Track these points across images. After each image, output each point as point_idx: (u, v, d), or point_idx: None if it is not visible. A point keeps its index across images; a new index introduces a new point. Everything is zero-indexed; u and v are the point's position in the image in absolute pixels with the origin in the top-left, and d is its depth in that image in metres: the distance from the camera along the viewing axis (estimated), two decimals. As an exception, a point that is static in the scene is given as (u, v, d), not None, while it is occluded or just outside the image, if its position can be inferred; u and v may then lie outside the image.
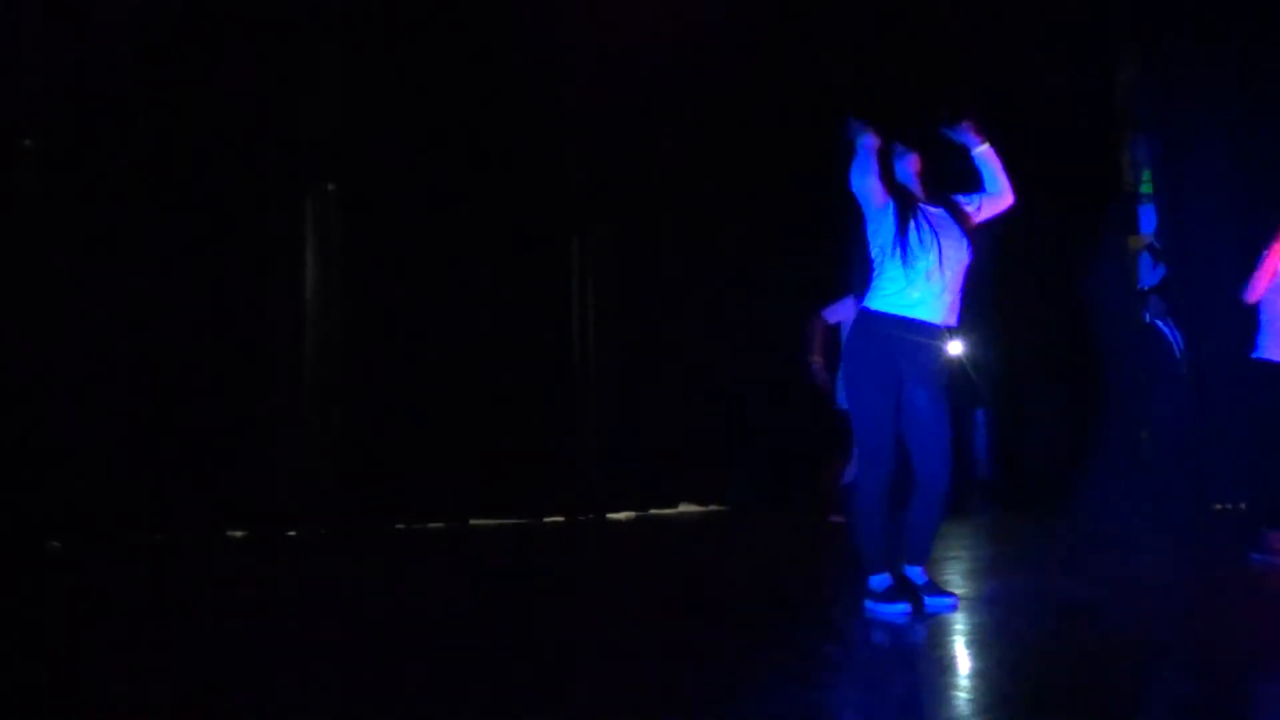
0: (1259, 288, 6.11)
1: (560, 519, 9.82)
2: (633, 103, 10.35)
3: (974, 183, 4.75)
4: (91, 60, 7.96)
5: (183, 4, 8.33)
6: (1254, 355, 6.25)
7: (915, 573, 4.71)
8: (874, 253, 4.57)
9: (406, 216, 9.25)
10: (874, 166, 4.55)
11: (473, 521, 9.41)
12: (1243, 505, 9.11)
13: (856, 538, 4.69)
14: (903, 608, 4.54)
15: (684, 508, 11.04)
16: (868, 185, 4.55)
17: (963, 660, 3.91)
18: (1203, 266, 9.70)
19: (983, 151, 4.64)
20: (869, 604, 4.60)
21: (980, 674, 3.70)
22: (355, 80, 9.07)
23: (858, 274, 4.87)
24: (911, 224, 4.50)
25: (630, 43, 10.08)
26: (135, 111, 8.10)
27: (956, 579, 5.80)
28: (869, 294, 4.59)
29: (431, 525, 9.15)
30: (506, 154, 9.75)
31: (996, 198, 4.69)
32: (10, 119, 7.77)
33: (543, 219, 10.08)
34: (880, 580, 4.59)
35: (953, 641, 4.22)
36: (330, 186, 8.97)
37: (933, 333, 4.53)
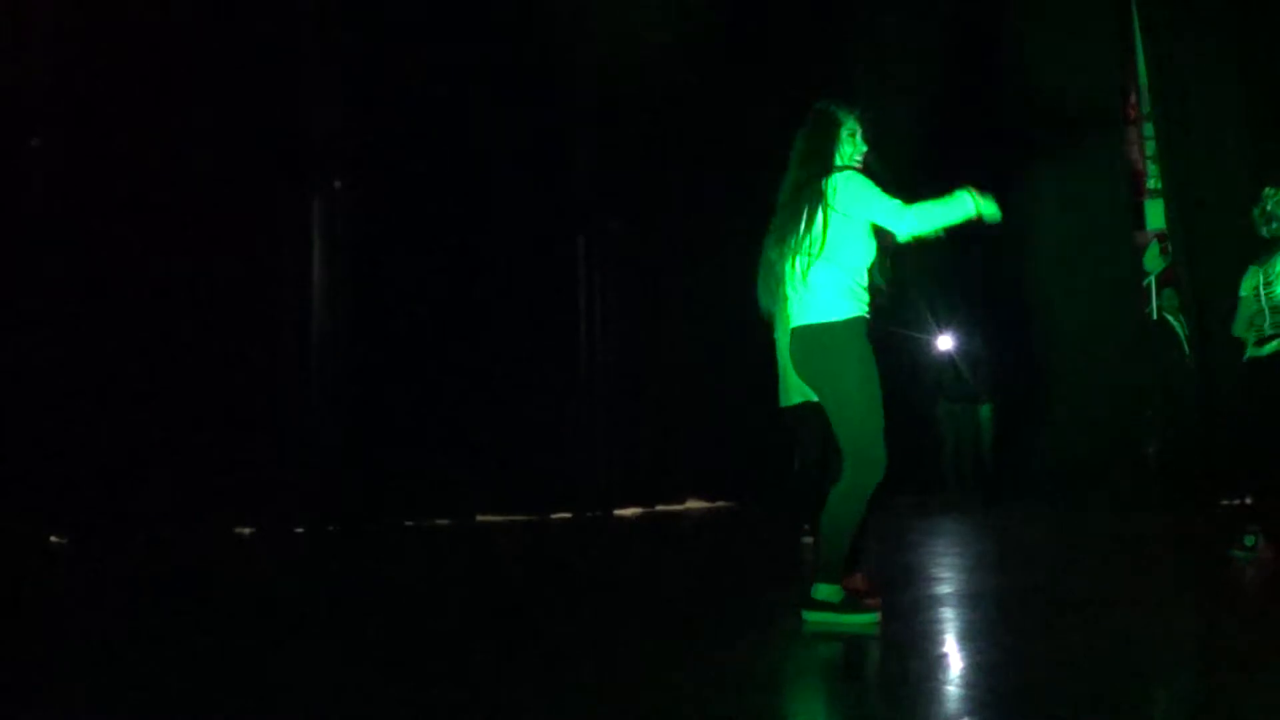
0: None
1: (567, 515, 9.84)
2: (640, 99, 10.36)
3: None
4: (100, 60, 8.01)
5: (191, 4, 8.37)
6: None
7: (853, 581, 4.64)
8: (845, 256, 4.33)
9: (413, 214, 9.28)
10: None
11: (480, 518, 9.44)
12: (1249, 501, 9.10)
13: (833, 544, 4.32)
14: (875, 616, 4.29)
15: (691, 504, 11.05)
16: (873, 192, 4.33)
17: (957, 657, 3.92)
18: (1211, 260, 9.69)
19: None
20: (828, 616, 4.27)
21: (975, 670, 3.71)
22: (361, 79, 9.10)
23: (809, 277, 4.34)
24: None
25: (636, 43, 10.09)
26: (143, 111, 8.14)
27: (952, 575, 5.82)
28: (849, 301, 4.32)
29: (439, 522, 9.18)
30: (513, 152, 9.77)
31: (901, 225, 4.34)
32: (18, 117, 7.81)
33: (549, 217, 10.10)
34: (834, 590, 4.30)
35: (947, 638, 4.23)
36: (337, 184, 9.00)
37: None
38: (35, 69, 7.80)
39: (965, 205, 4.25)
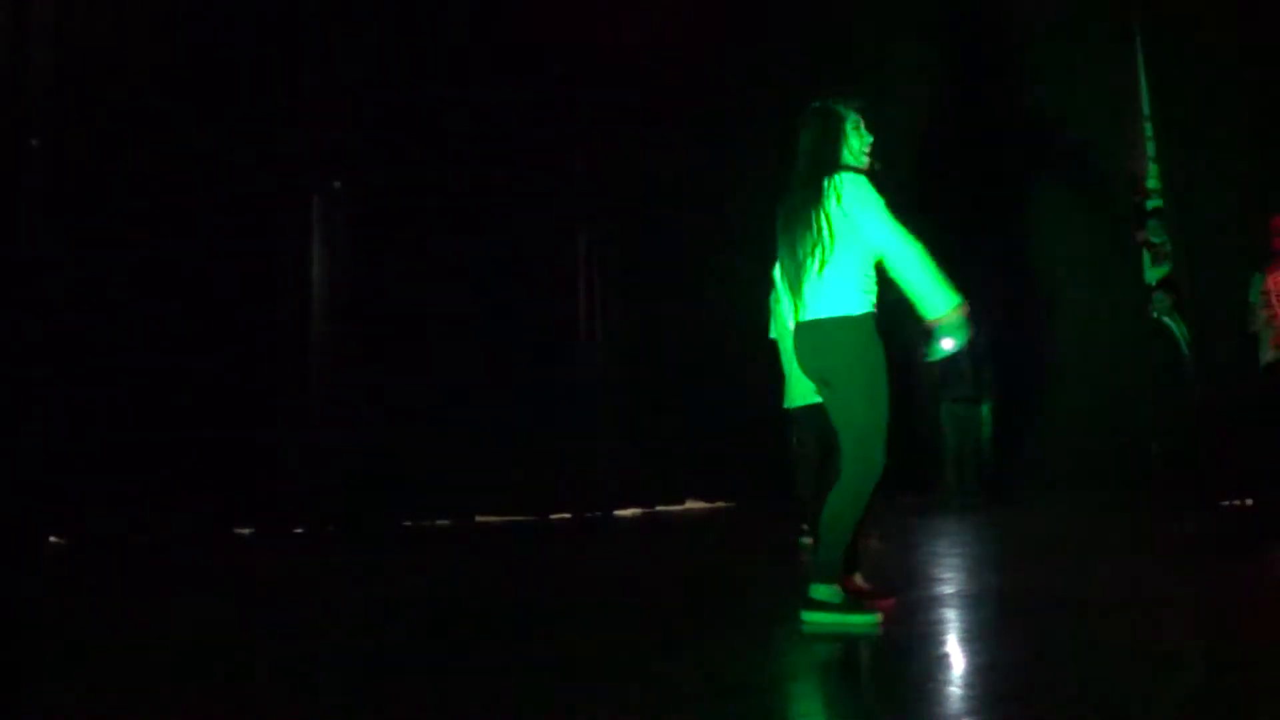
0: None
1: (567, 516, 9.83)
2: (640, 97, 10.37)
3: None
4: (100, 60, 8.01)
5: (193, 6, 8.37)
6: None
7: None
8: (859, 252, 4.28)
9: (413, 214, 9.30)
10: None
11: (480, 518, 9.43)
12: (1249, 502, 9.10)
13: (831, 544, 4.29)
14: (876, 616, 4.27)
15: (691, 504, 11.05)
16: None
17: (958, 657, 3.91)
18: (1209, 262, 9.68)
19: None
20: (828, 617, 4.22)
21: (977, 671, 3.71)
22: (361, 79, 9.10)
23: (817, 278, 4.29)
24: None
25: (635, 41, 10.10)
26: (143, 111, 8.15)
27: (953, 575, 5.81)
28: (861, 296, 4.28)
29: (439, 522, 9.17)
30: (512, 151, 9.78)
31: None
32: (18, 119, 7.81)
33: (549, 216, 10.11)
34: (834, 591, 4.26)
35: (948, 639, 4.23)
36: (337, 184, 9.01)
37: None
38: (35, 69, 7.80)
39: (945, 302, 4.21)
